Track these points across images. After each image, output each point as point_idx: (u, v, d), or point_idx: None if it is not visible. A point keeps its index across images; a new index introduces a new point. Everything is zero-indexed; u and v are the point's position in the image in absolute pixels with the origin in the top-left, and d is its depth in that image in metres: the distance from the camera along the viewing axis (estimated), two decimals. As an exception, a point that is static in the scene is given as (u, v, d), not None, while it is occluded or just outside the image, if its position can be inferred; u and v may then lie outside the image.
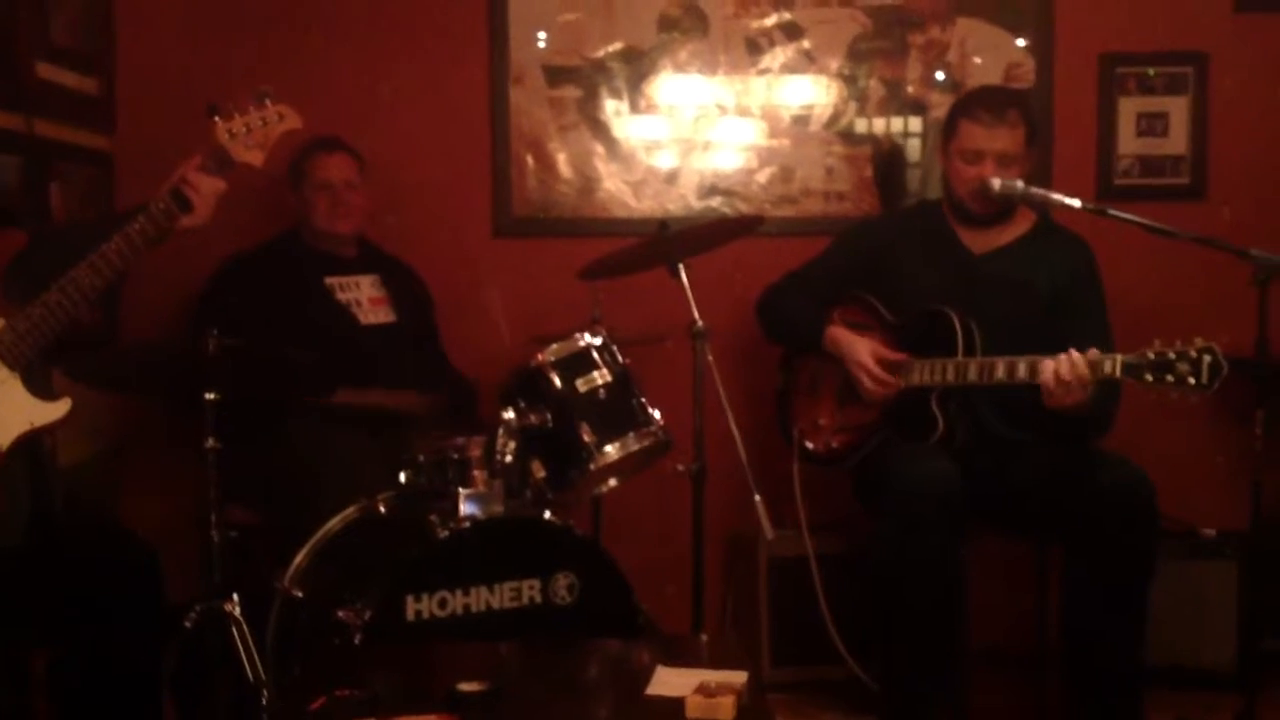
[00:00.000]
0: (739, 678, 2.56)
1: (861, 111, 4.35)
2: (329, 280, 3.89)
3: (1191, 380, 3.03)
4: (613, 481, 3.53)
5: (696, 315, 3.39)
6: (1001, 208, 3.61)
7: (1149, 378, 3.07)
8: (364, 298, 3.93)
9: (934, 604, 3.35)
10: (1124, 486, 3.32)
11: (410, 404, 3.75)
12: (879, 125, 4.36)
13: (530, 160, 4.29)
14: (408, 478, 3.28)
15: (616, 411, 3.36)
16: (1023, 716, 3.85)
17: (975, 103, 3.67)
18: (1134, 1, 4.36)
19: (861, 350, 3.59)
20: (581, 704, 2.68)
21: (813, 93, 4.34)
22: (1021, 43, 4.33)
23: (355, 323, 3.87)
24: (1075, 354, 3.20)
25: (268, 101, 3.04)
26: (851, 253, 3.84)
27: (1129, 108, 4.37)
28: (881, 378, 3.54)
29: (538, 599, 3.18)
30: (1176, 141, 4.38)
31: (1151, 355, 3.08)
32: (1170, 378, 3.05)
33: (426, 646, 3.01)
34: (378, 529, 3.28)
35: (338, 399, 3.62)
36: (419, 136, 4.26)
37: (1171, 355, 3.05)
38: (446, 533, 3.14)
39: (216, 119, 3.00)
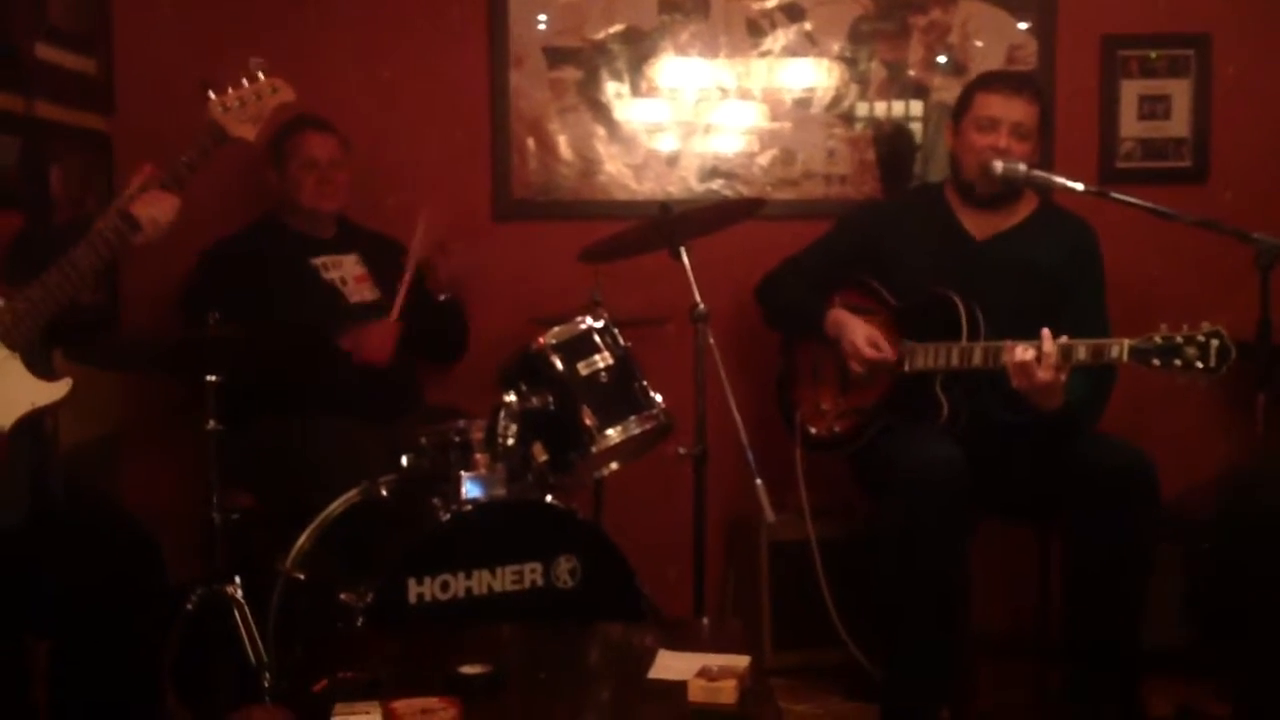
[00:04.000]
0: (741, 662, 2.56)
1: (863, 94, 4.33)
2: (314, 261, 3.88)
3: (1199, 364, 3.03)
4: (614, 465, 3.52)
5: (698, 298, 3.39)
6: (1004, 189, 3.59)
7: (1156, 362, 3.07)
8: (349, 276, 3.91)
9: (937, 589, 3.34)
10: (1125, 469, 3.32)
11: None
12: (880, 108, 4.34)
13: (531, 143, 4.27)
14: (410, 460, 3.28)
15: (618, 395, 3.35)
16: (1023, 702, 3.85)
17: (992, 78, 3.71)
18: (1136, -16, 4.36)
19: (856, 333, 3.58)
20: (583, 687, 2.68)
21: (814, 75, 4.32)
22: (1023, 25, 4.32)
23: (344, 301, 3.86)
24: (1045, 332, 3.21)
25: (260, 75, 3.04)
26: (852, 236, 3.83)
27: (1131, 90, 4.36)
28: (866, 355, 3.54)
29: (540, 582, 3.18)
30: (1178, 124, 4.37)
31: (1159, 339, 3.07)
32: (1178, 361, 3.04)
33: (428, 629, 3.01)
34: (380, 512, 3.27)
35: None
36: (419, 118, 4.24)
37: (1179, 339, 3.05)
38: (448, 516, 3.14)
39: (210, 94, 2.99)
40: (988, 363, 3.34)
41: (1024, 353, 3.22)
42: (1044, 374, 3.21)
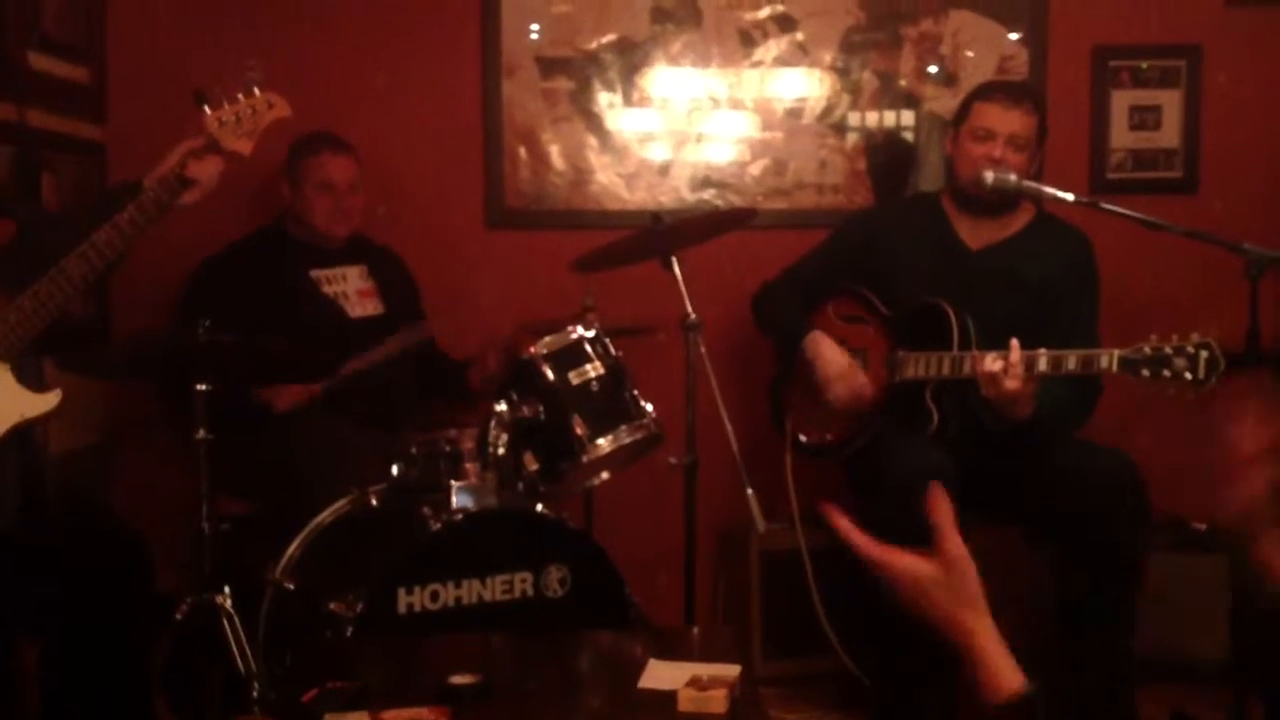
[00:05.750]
0: (731, 671, 2.56)
1: (854, 104, 4.34)
2: (315, 273, 3.86)
3: (1188, 376, 3.02)
4: (605, 474, 3.52)
5: (689, 308, 3.39)
6: (997, 198, 3.60)
7: (1145, 373, 3.07)
8: (351, 290, 3.90)
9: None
10: (1114, 478, 3.33)
11: (388, 350, 3.72)
12: (872, 118, 4.35)
13: (523, 152, 4.28)
14: (400, 470, 3.27)
15: (609, 404, 3.35)
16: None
17: (992, 88, 3.73)
18: (1127, -5, 4.37)
19: (830, 367, 3.61)
20: (573, 697, 2.68)
21: (806, 85, 4.33)
22: (1014, 35, 4.33)
23: (344, 316, 3.85)
24: (1013, 342, 3.22)
25: (256, 90, 3.05)
26: (847, 246, 3.84)
27: (1122, 101, 4.37)
28: (840, 395, 3.59)
29: (530, 592, 3.18)
30: (1169, 135, 4.38)
31: (1148, 350, 3.07)
32: (1167, 373, 3.04)
33: (418, 639, 3.00)
34: (370, 521, 3.27)
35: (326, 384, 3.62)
36: (411, 127, 4.24)
37: (1168, 350, 3.04)
38: (439, 525, 3.14)
39: (206, 108, 3.00)
40: (966, 372, 3.35)
41: (992, 363, 3.24)
42: (1011, 383, 3.22)
